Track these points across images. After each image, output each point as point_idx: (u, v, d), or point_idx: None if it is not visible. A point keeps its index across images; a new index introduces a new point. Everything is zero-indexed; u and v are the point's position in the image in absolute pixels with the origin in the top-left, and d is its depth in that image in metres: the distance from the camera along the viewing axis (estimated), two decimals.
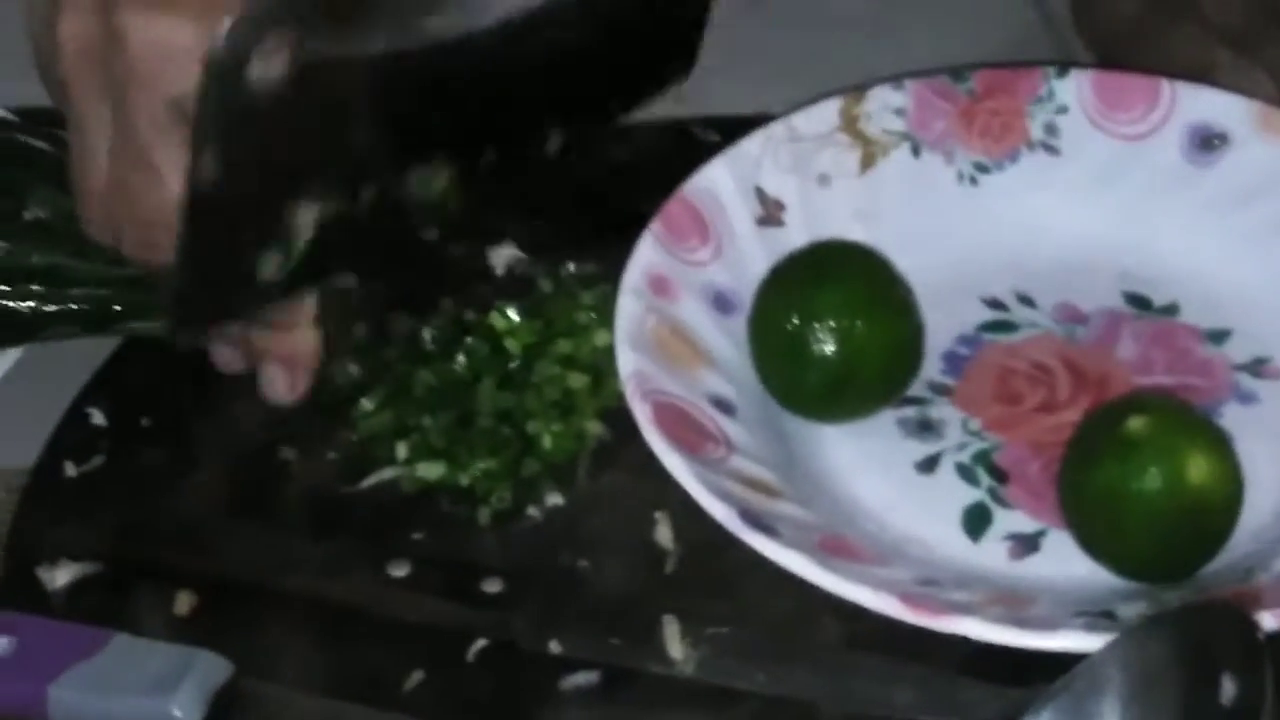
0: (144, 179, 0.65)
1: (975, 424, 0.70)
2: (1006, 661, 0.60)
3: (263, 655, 0.64)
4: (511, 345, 0.72)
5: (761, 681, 0.62)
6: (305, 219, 0.67)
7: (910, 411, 0.70)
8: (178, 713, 0.60)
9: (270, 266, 0.67)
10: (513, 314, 0.73)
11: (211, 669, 0.62)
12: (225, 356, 0.71)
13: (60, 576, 0.67)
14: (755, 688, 0.62)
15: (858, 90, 0.76)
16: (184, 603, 0.66)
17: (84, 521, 0.68)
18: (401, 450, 0.70)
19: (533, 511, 0.68)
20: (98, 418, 0.72)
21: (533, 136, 0.74)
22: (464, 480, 0.69)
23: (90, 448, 0.71)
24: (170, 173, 0.65)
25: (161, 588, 0.66)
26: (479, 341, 0.72)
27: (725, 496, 0.63)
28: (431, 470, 0.69)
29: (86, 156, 0.67)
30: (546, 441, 0.69)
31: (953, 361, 0.72)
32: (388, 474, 0.70)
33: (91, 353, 0.73)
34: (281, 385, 0.71)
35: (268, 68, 0.62)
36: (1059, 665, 0.57)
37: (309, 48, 0.63)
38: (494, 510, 0.68)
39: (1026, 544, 0.66)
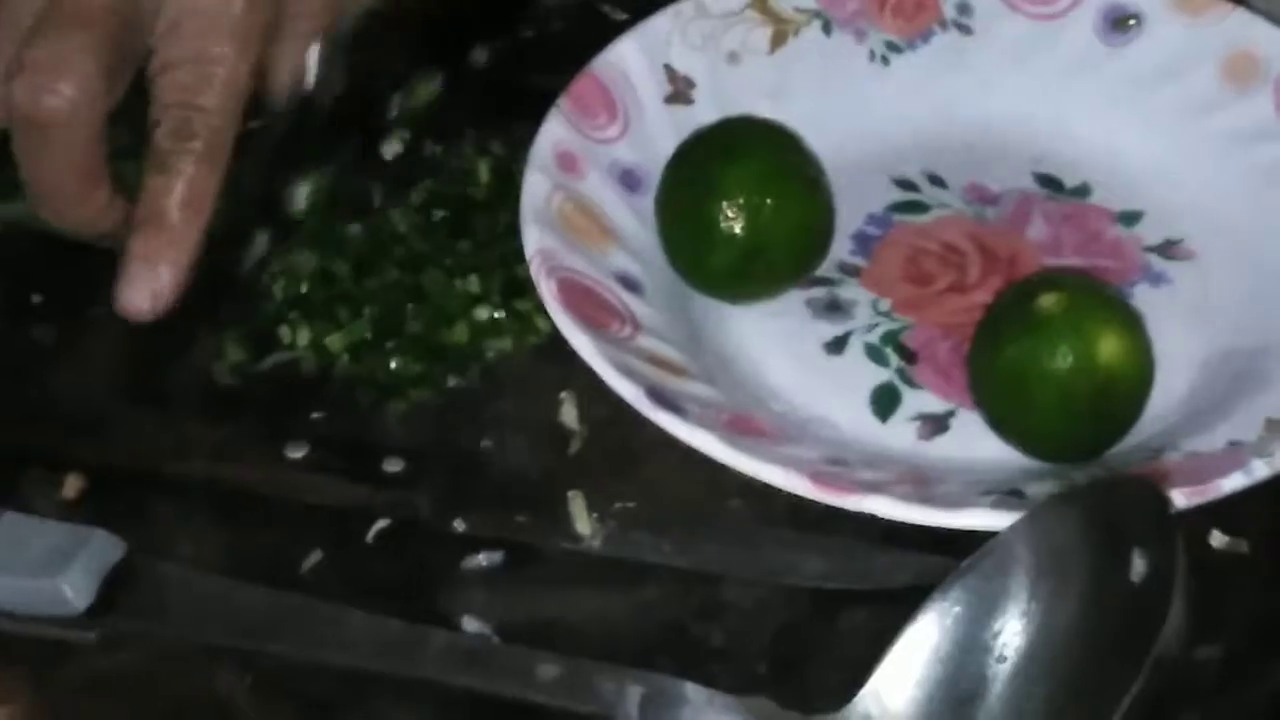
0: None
1: (885, 304, 0.69)
2: (917, 536, 0.59)
3: (155, 537, 0.62)
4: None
5: (670, 554, 0.61)
6: None
7: (819, 292, 0.69)
8: (69, 592, 0.59)
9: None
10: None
11: (104, 547, 0.60)
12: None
13: None
14: (663, 561, 0.61)
15: None
16: (72, 486, 0.64)
17: None
18: (304, 335, 0.68)
19: (433, 392, 0.67)
20: None
21: None
22: (380, 376, 0.67)
23: None
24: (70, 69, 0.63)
25: (48, 471, 0.64)
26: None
27: (632, 375, 0.62)
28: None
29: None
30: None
31: (862, 242, 0.71)
32: (287, 355, 0.68)
33: None
34: (141, 290, 0.65)
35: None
36: (970, 540, 0.57)
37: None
38: (411, 403, 0.67)
39: (935, 424, 0.66)
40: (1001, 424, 0.64)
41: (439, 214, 0.71)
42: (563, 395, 0.66)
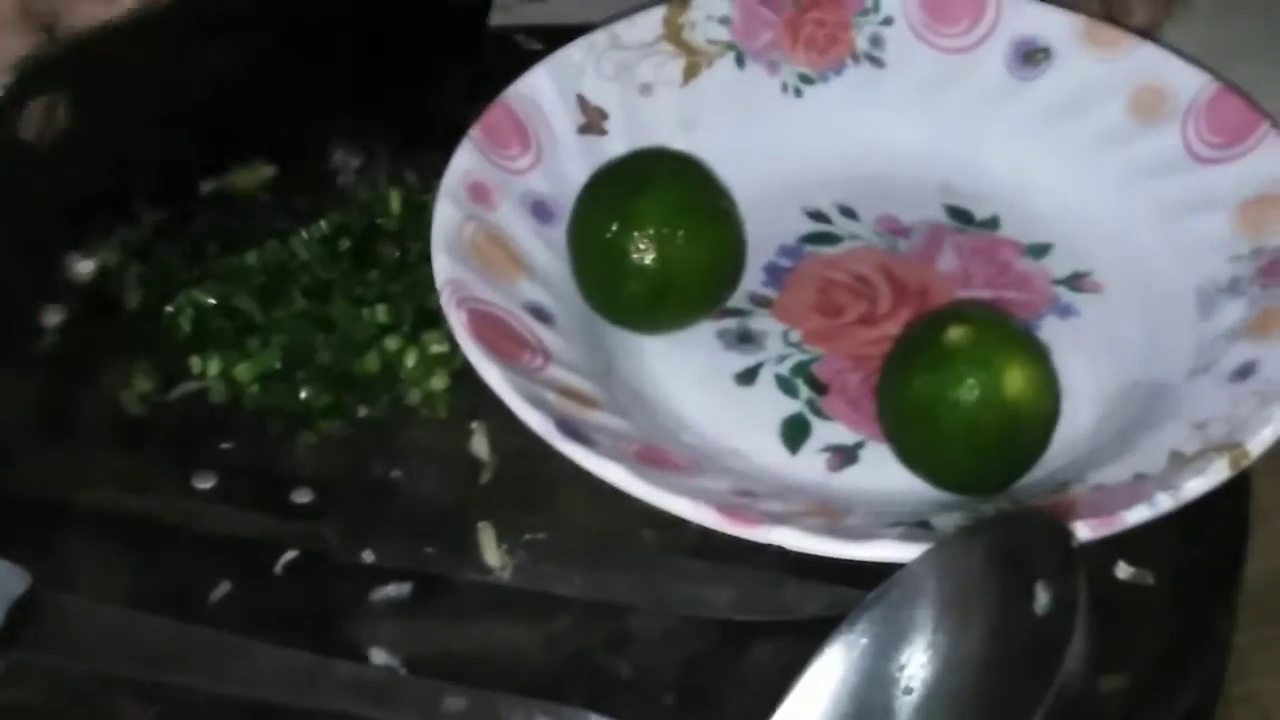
0: None
1: (795, 336, 0.69)
2: (827, 567, 0.59)
3: (60, 568, 0.62)
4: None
5: (579, 586, 0.61)
6: (84, 269, 0.69)
7: (730, 323, 0.70)
8: None
9: (55, 318, 0.68)
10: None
11: (8, 579, 0.60)
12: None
13: None
14: (573, 593, 0.61)
15: None
16: None
17: None
18: (214, 365, 0.68)
19: (343, 423, 0.67)
20: None
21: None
22: (289, 406, 0.67)
23: None
24: None
25: None
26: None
27: (542, 406, 0.62)
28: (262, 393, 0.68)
29: None
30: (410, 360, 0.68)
31: (774, 273, 0.71)
32: (196, 384, 0.68)
33: None
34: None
35: (38, 123, 0.62)
36: (880, 571, 0.57)
37: (85, 100, 0.64)
38: (321, 435, 0.66)
39: (845, 456, 0.66)
40: (909, 456, 0.64)
41: (345, 243, 0.71)
42: (473, 426, 0.66)
